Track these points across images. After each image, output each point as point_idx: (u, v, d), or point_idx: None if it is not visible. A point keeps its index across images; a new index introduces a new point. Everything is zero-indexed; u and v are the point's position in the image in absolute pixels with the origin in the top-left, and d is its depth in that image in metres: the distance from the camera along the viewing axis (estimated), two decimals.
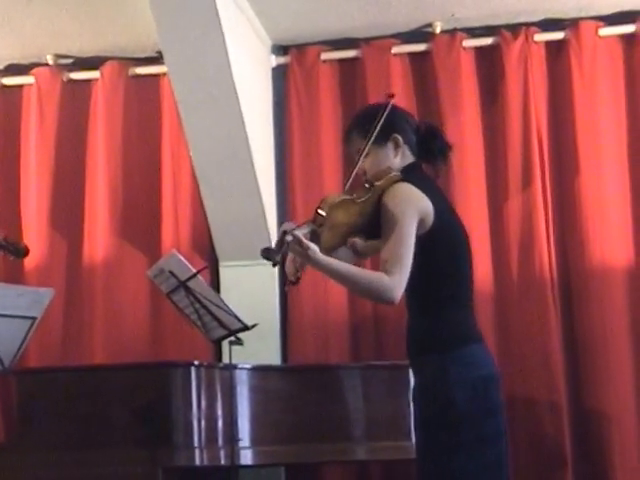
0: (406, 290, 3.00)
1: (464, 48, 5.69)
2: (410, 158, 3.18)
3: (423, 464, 3.05)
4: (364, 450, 4.67)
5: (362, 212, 3.00)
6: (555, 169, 5.60)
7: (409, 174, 3.09)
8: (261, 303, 5.47)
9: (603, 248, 5.43)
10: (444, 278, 3.06)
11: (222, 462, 4.39)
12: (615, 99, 5.58)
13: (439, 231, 3.02)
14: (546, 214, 5.49)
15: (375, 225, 3.00)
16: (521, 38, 5.62)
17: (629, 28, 5.58)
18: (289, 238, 2.85)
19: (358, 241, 3.17)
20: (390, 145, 3.16)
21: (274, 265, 2.88)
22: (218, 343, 4.78)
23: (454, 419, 2.95)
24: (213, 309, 4.38)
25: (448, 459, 2.95)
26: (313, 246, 2.90)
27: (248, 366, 4.58)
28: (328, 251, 2.97)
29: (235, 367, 4.49)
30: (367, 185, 3.05)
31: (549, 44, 5.69)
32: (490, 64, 5.72)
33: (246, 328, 4.39)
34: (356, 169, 3.14)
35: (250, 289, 5.50)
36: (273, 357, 5.48)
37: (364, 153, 3.13)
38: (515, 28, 5.65)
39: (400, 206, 2.96)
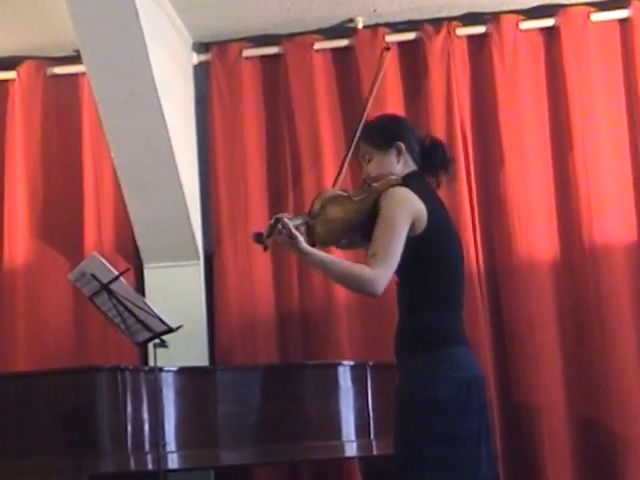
0: (398, 290, 3.20)
1: (387, 43, 5.68)
2: (412, 167, 3.28)
3: (400, 454, 3.12)
4: (294, 451, 4.62)
5: (358, 210, 3.14)
6: (479, 163, 5.62)
7: (409, 181, 3.20)
8: (187, 304, 5.42)
9: (529, 241, 5.46)
10: (435, 281, 3.15)
11: (149, 467, 4.31)
12: (537, 92, 5.61)
13: (431, 236, 3.12)
14: (472, 208, 5.51)
15: (371, 226, 3.11)
16: (443, 32, 5.64)
17: (549, 21, 5.63)
18: (280, 226, 3.00)
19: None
20: (393, 152, 3.26)
21: (264, 249, 3.10)
22: (144, 346, 4.72)
23: (435, 415, 3.04)
24: (136, 312, 4.31)
25: (424, 451, 3.03)
26: (300, 237, 3.03)
27: (174, 369, 4.50)
28: (323, 246, 3.12)
29: (161, 370, 4.41)
30: (366, 186, 3.20)
31: (471, 38, 5.72)
32: (413, 59, 5.73)
33: (170, 330, 4.33)
34: (345, 166, 3.29)
35: (175, 290, 5.45)
36: (201, 358, 5.42)
37: (350, 154, 3.29)
38: (437, 23, 5.67)
39: (394, 207, 3.09)
